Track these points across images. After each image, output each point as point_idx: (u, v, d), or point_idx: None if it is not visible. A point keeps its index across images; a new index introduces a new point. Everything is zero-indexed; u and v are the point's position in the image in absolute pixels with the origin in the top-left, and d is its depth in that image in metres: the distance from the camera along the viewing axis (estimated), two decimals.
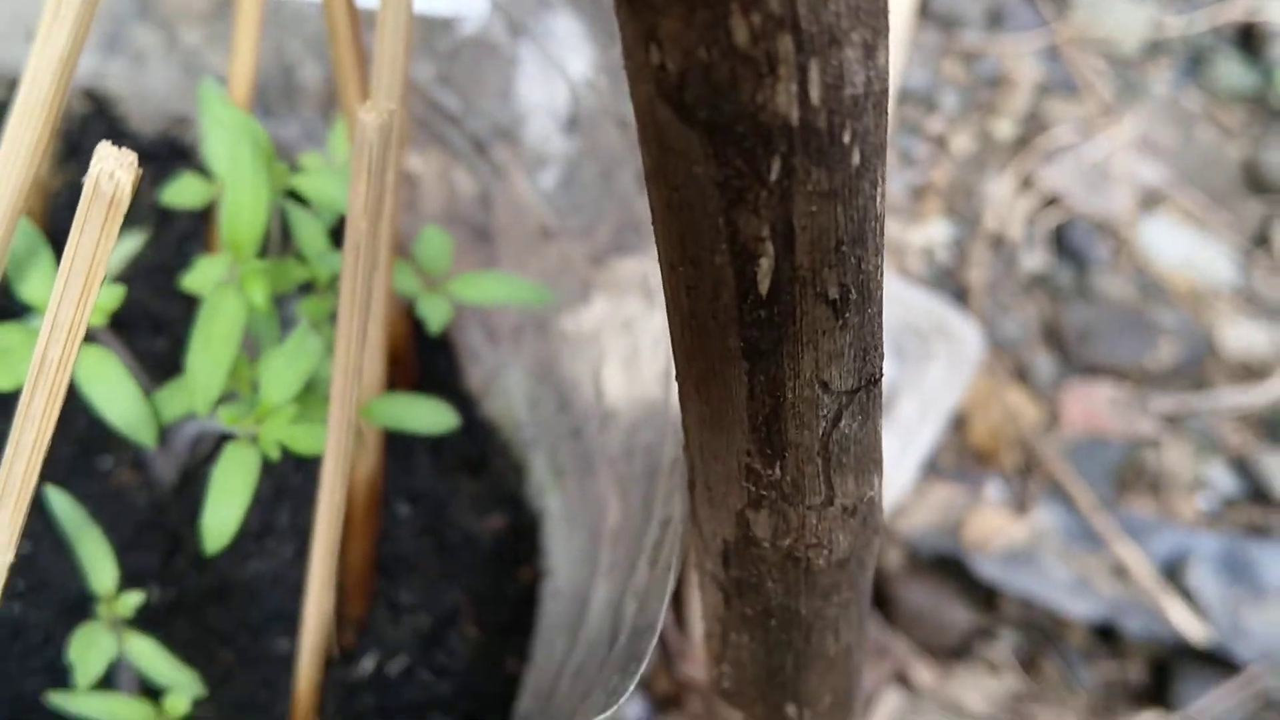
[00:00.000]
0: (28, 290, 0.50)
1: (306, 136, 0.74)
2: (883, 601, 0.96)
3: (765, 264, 0.32)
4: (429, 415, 0.57)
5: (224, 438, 0.53)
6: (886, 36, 0.30)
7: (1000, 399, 1.04)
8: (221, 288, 0.51)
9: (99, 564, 0.49)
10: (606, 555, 0.60)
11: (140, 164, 0.78)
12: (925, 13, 1.26)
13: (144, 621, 0.61)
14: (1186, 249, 1.13)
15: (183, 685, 0.52)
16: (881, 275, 0.34)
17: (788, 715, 0.47)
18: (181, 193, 0.60)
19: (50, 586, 0.60)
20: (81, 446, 0.64)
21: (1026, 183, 1.15)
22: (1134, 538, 0.96)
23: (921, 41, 1.24)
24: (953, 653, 0.95)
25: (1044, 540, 0.98)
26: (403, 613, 0.65)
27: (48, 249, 0.51)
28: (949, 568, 0.97)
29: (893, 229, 1.11)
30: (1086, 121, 1.20)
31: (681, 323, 0.35)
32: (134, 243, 0.67)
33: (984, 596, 0.96)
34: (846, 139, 0.30)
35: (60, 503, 0.49)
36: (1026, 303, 1.10)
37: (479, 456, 0.72)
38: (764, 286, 0.32)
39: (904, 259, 1.10)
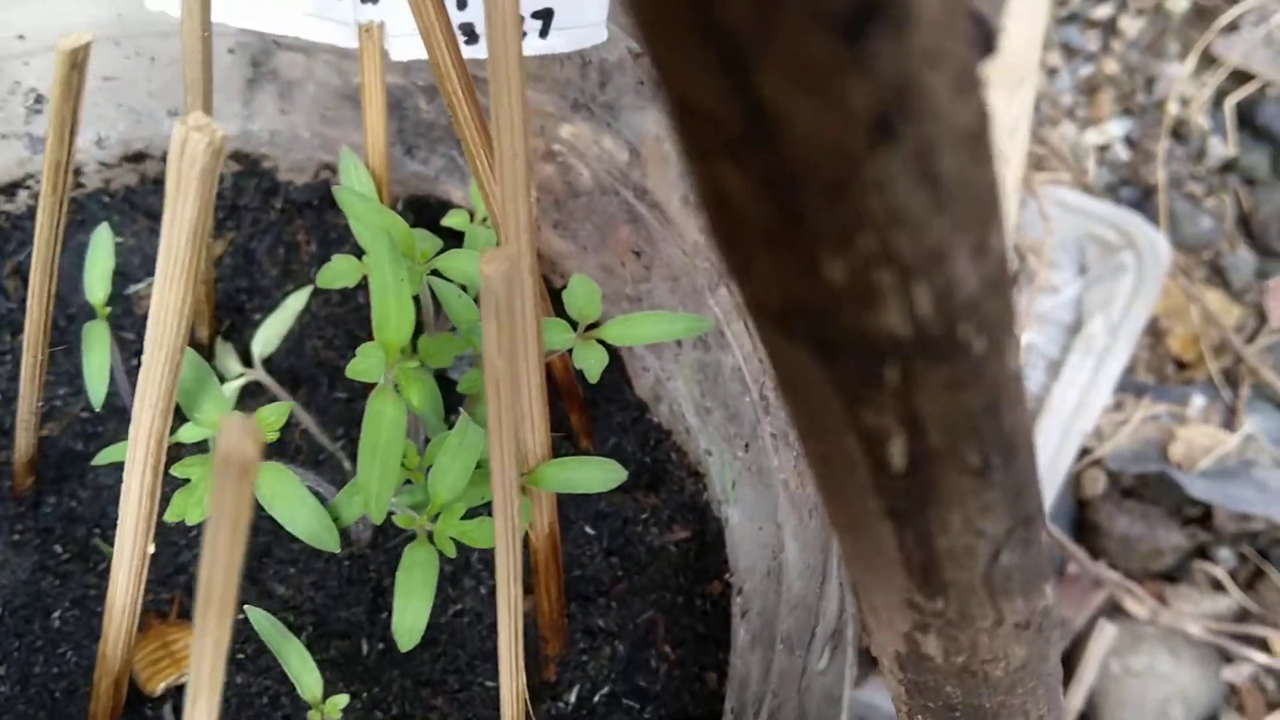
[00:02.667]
0: (202, 418, 0.53)
1: (449, 170, 0.74)
2: (1089, 530, 0.94)
3: (897, 446, 0.31)
4: (596, 474, 0.57)
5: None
6: (999, 221, 0.28)
7: (1197, 302, 0.99)
8: (380, 394, 0.52)
9: (303, 674, 0.52)
10: (788, 589, 0.60)
11: (296, 216, 0.79)
12: None
13: (360, 674, 0.64)
14: None
15: None
16: (1029, 421, 0.33)
17: None
18: (336, 275, 0.61)
19: (253, 704, 0.63)
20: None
21: (1208, 59, 1.07)
22: None
23: None
24: (1166, 577, 0.92)
25: (1257, 449, 0.94)
26: (599, 640, 0.67)
27: (213, 378, 0.52)
28: (1156, 488, 0.94)
29: (1066, 132, 1.05)
30: None
31: (819, 483, 0.34)
32: (300, 300, 0.70)
33: (1196, 515, 0.93)
34: (964, 335, 0.28)
35: (260, 620, 0.52)
36: (1217, 194, 1.03)
37: (656, 467, 0.72)
38: (898, 465, 0.31)
39: (1081, 164, 1.04)
